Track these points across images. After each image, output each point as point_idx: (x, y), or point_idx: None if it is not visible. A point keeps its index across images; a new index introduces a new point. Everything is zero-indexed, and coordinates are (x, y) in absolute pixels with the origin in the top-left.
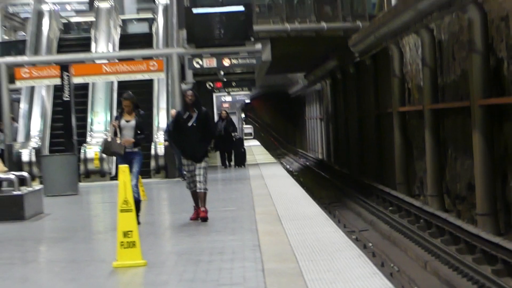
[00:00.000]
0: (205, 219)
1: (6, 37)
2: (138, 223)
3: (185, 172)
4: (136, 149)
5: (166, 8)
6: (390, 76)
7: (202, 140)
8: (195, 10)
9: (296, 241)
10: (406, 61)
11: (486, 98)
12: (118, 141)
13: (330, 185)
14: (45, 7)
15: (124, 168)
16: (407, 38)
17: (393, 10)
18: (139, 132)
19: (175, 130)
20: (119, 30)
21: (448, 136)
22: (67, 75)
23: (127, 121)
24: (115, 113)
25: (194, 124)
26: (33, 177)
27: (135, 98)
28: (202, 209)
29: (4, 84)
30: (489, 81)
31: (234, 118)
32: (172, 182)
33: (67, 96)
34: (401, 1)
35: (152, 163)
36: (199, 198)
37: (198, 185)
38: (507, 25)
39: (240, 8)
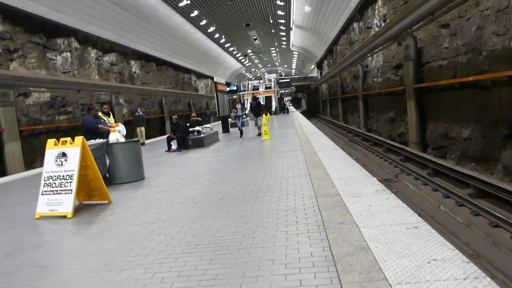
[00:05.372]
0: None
1: None
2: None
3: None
4: None
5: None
6: (318, 92)
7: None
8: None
9: (313, 142)
10: (322, 90)
11: (415, 84)
12: None
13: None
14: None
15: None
16: (324, 84)
17: (325, 76)
18: None
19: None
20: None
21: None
22: None
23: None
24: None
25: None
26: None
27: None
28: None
29: None
30: (416, 75)
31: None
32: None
33: None
34: (332, 67)
35: None
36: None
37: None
38: (423, 48)
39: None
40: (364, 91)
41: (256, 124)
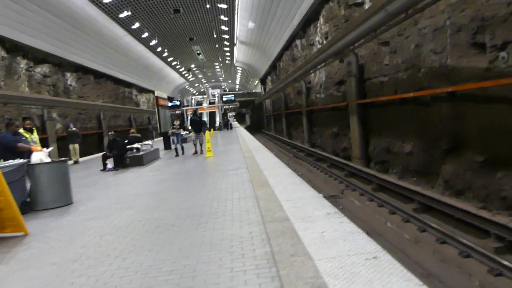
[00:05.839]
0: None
1: None
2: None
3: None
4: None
5: (219, 96)
6: (262, 108)
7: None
8: (223, 98)
9: (258, 159)
10: (266, 105)
11: (358, 100)
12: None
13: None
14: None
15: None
16: (268, 99)
17: (269, 91)
18: None
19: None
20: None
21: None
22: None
23: None
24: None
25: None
26: None
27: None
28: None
29: None
30: (358, 91)
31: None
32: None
33: None
34: (275, 83)
35: None
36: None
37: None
38: (365, 65)
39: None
40: (308, 107)
41: (194, 142)
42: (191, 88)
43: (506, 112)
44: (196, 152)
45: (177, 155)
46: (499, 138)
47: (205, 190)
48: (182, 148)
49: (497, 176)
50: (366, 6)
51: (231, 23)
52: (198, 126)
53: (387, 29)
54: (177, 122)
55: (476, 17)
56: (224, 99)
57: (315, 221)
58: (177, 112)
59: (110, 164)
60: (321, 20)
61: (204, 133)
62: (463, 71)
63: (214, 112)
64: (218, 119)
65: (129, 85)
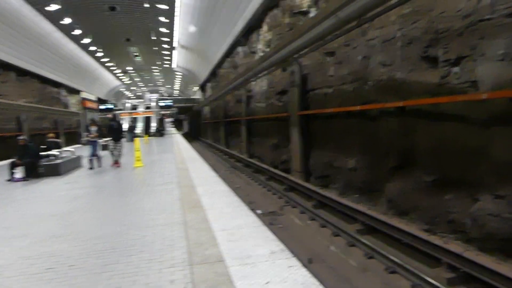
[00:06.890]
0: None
1: None
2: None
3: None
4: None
5: (156, 101)
6: (201, 115)
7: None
8: (160, 103)
9: (193, 172)
10: (205, 112)
11: (300, 111)
12: None
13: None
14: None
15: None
16: (207, 106)
17: (208, 98)
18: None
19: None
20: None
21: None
22: None
23: None
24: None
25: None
26: None
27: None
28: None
29: None
30: (301, 102)
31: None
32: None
33: None
34: (215, 91)
35: None
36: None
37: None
38: (309, 75)
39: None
40: (247, 116)
41: (112, 153)
42: (127, 92)
43: (459, 130)
44: (117, 163)
45: (91, 167)
46: (450, 158)
47: (126, 211)
48: (99, 159)
49: (445, 197)
50: (312, 15)
51: (171, 26)
52: (118, 133)
53: (337, 37)
54: (94, 128)
55: (429, 30)
56: (162, 104)
57: (257, 263)
58: (109, 115)
59: (19, 173)
60: (265, 27)
61: (132, 141)
62: (413, 85)
63: (149, 117)
64: (154, 125)
65: (58, 85)
